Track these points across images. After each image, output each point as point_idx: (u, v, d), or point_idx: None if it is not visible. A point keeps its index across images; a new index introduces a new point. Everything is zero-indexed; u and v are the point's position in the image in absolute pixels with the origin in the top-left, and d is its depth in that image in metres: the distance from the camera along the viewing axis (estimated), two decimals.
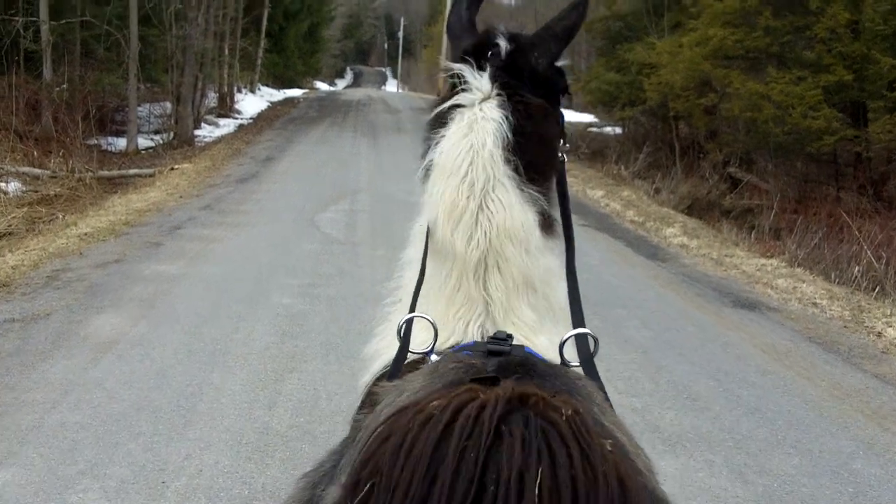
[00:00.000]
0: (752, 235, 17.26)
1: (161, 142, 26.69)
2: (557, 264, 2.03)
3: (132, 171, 21.55)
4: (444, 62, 2.15)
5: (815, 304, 9.82)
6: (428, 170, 2.00)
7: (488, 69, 2.02)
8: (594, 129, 38.10)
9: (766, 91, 19.97)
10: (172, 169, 20.47)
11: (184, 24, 27.63)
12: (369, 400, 1.71)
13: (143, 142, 26.33)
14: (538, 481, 1.01)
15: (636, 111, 29.48)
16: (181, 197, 15.42)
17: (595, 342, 1.81)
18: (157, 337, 7.19)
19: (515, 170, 1.92)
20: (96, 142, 25.32)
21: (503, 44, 2.06)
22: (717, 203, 24.41)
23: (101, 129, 26.19)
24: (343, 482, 1.24)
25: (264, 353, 6.95)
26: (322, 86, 73.55)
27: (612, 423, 1.38)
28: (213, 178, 18.09)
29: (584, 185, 20.42)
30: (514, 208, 1.90)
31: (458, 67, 2.04)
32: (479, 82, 2.00)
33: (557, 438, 1.05)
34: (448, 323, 1.88)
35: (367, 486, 1.07)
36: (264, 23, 43.86)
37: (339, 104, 42.70)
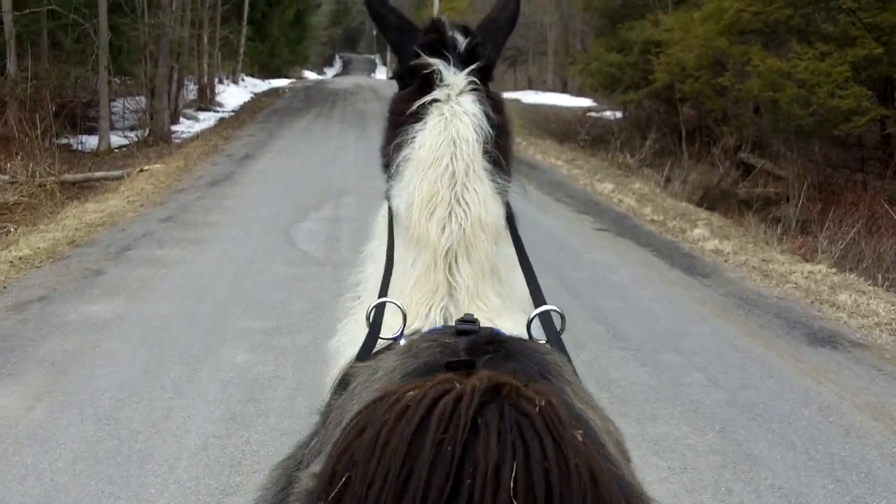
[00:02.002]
0: (779, 229, 15.72)
1: (135, 139, 25.11)
2: (514, 254, 2.07)
3: (98, 174, 20.03)
4: (421, 57, 2.11)
5: None
6: (402, 164, 2.04)
7: (452, 63, 2.08)
8: (593, 114, 36.52)
9: (789, 68, 18.22)
10: (141, 171, 18.85)
11: (157, 11, 25.94)
12: (342, 382, 1.74)
13: (117, 139, 24.82)
14: (513, 475, 0.99)
15: (641, 94, 27.76)
16: (142, 206, 13.64)
17: (562, 318, 1.84)
18: (56, 430, 5.27)
19: (492, 162, 2.02)
20: (66, 141, 23.98)
21: (460, 38, 2.14)
22: (731, 192, 23.00)
23: (72, 126, 24.62)
24: (318, 471, 1.18)
25: (200, 457, 4.99)
26: (310, 74, 72.72)
27: (583, 403, 1.43)
28: (183, 180, 16.34)
29: (591, 177, 18.63)
30: (488, 200, 1.97)
31: (435, 62, 2.08)
32: (454, 78, 2.07)
33: (531, 430, 1.03)
34: (411, 307, 1.89)
35: (343, 479, 1.05)
36: (245, 9, 42.34)
37: (327, 93, 40.90)
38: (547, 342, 1.79)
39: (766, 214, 18.59)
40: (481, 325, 1.66)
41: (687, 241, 12.20)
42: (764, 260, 11.12)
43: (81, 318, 7.50)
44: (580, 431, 1.08)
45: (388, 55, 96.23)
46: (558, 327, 1.84)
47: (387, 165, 2.12)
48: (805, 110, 17.92)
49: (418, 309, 1.90)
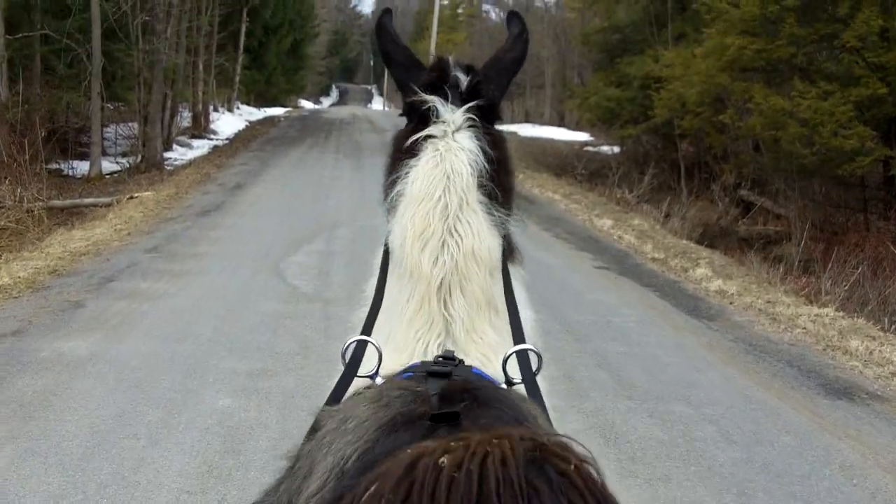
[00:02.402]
0: (782, 269, 15.39)
1: (127, 165, 24.86)
2: (519, 289, 2.05)
3: (88, 201, 19.80)
4: (419, 94, 2.13)
5: None
6: (396, 199, 2.04)
7: (450, 100, 2.11)
8: (590, 149, 36.32)
9: (792, 107, 17.92)
10: (131, 198, 18.45)
11: (152, 38, 25.66)
12: (312, 427, 1.64)
13: (109, 166, 24.64)
14: None
15: (639, 129, 27.53)
16: (129, 234, 13.24)
17: (539, 359, 1.81)
18: (17, 482, 4.81)
19: (488, 195, 2.01)
20: (58, 166, 23.77)
21: (462, 77, 2.16)
22: (731, 229, 22.76)
23: (63, 152, 24.48)
24: None
25: None
26: (306, 104, 72.85)
27: None
28: (173, 209, 15.92)
29: (589, 212, 18.27)
30: (482, 233, 1.96)
31: (432, 99, 2.10)
32: (451, 115, 2.09)
33: (576, 492, 1.00)
34: (409, 344, 1.87)
35: None
36: (242, 38, 42.01)
37: (322, 123, 40.48)
38: (522, 382, 1.75)
39: (768, 253, 18.29)
40: (474, 360, 1.72)
41: (690, 280, 11.82)
42: (769, 302, 10.75)
43: (55, 354, 7.06)
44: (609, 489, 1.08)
45: (385, 86, 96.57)
46: (534, 367, 1.79)
47: (384, 201, 2.13)
48: (808, 149, 17.63)
49: (415, 345, 1.86)
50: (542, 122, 50.08)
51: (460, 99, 2.12)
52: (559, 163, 30.86)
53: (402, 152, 2.11)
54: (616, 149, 33.65)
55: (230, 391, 6.39)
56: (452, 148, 2.02)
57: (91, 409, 5.92)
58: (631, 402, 6.57)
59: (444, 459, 1.02)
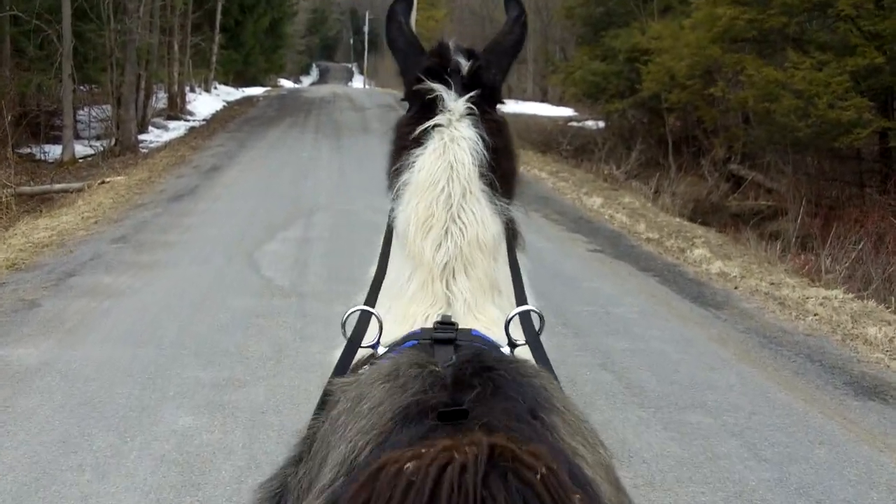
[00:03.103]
0: (779, 246, 14.88)
1: (101, 149, 24.12)
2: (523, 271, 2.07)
3: (58, 187, 19.23)
4: (424, 82, 2.11)
5: None
6: (402, 188, 2.05)
7: (453, 87, 2.10)
8: (574, 124, 35.73)
9: (786, 78, 17.31)
10: (103, 183, 17.79)
11: (124, 17, 24.89)
12: (323, 402, 1.64)
13: (83, 149, 23.99)
14: None
15: (626, 104, 26.89)
16: (96, 223, 12.54)
17: (541, 318, 1.85)
18: None
19: (490, 184, 2.02)
20: (30, 150, 23.30)
21: (463, 62, 2.13)
22: (722, 205, 22.24)
23: (34, 136, 23.99)
24: None
25: None
26: (286, 83, 72.08)
27: (573, 437, 1.38)
28: (144, 194, 15.25)
29: (577, 190, 17.63)
30: (486, 220, 1.98)
31: (437, 87, 2.09)
32: (454, 103, 2.07)
33: (536, 501, 1.04)
34: (408, 317, 1.89)
35: None
36: (218, 17, 41.11)
37: (302, 102, 39.64)
38: (525, 343, 1.81)
39: (763, 230, 17.73)
40: (471, 330, 1.73)
41: (689, 263, 11.18)
42: (773, 283, 10.18)
43: (1, 364, 6.36)
44: (578, 496, 1.09)
45: (366, 64, 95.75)
46: (537, 327, 1.86)
47: (389, 189, 2.13)
48: (803, 122, 17.01)
49: (415, 319, 1.88)
50: (525, 98, 49.27)
51: (462, 85, 2.10)
52: (543, 139, 30.27)
53: (407, 140, 2.10)
54: (601, 124, 33.14)
55: (192, 406, 5.67)
56: (455, 137, 2.03)
57: (33, 432, 5.19)
58: (642, 412, 5.87)
59: (409, 465, 1.08)
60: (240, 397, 5.87)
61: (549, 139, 30.41)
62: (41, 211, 15.39)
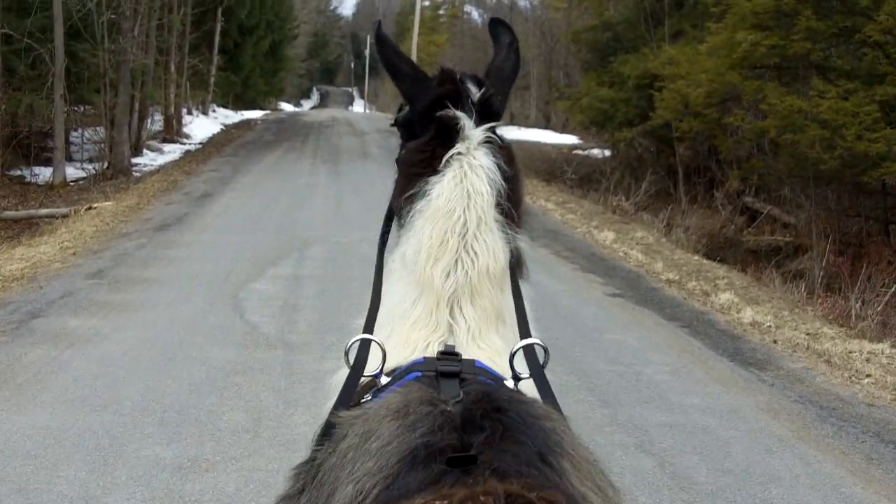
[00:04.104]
0: (803, 287, 14.04)
1: (93, 172, 23.46)
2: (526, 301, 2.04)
3: (44, 212, 18.57)
4: (449, 109, 2.04)
5: None
6: (415, 215, 2.01)
7: (471, 115, 2.07)
8: (579, 152, 35.01)
9: (810, 108, 16.43)
10: (90, 208, 16.96)
11: (118, 37, 24.30)
12: (328, 432, 1.59)
13: (75, 172, 23.37)
14: None
15: (635, 132, 26.05)
16: (74, 254, 11.66)
17: (545, 352, 1.83)
18: None
19: (504, 213, 2.00)
20: (20, 172, 22.93)
21: (474, 89, 2.12)
22: (737, 240, 21.37)
23: (25, 157, 23.42)
24: None
25: None
26: (286, 106, 71.85)
27: (583, 482, 1.36)
28: (129, 223, 14.37)
29: (587, 223, 16.69)
30: (497, 251, 1.95)
31: (459, 115, 2.04)
32: (472, 131, 2.04)
33: None
34: (410, 343, 1.87)
35: None
36: (217, 38, 40.40)
37: (300, 126, 38.81)
38: (530, 376, 1.78)
39: (785, 268, 16.86)
40: (475, 362, 1.70)
41: (717, 310, 10.18)
42: (810, 334, 9.31)
43: None
44: None
45: (367, 88, 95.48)
46: (541, 360, 1.82)
47: (397, 216, 2.12)
48: (828, 154, 16.10)
49: (416, 344, 1.85)
50: (528, 125, 48.48)
51: (478, 112, 2.07)
52: (548, 167, 29.55)
53: (421, 167, 2.05)
54: (606, 152, 32.41)
55: (145, 499, 4.64)
56: (473, 166, 2.00)
57: None
58: None
59: None
60: (204, 486, 4.80)
61: (554, 167, 29.75)
62: (20, 239, 14.59)
